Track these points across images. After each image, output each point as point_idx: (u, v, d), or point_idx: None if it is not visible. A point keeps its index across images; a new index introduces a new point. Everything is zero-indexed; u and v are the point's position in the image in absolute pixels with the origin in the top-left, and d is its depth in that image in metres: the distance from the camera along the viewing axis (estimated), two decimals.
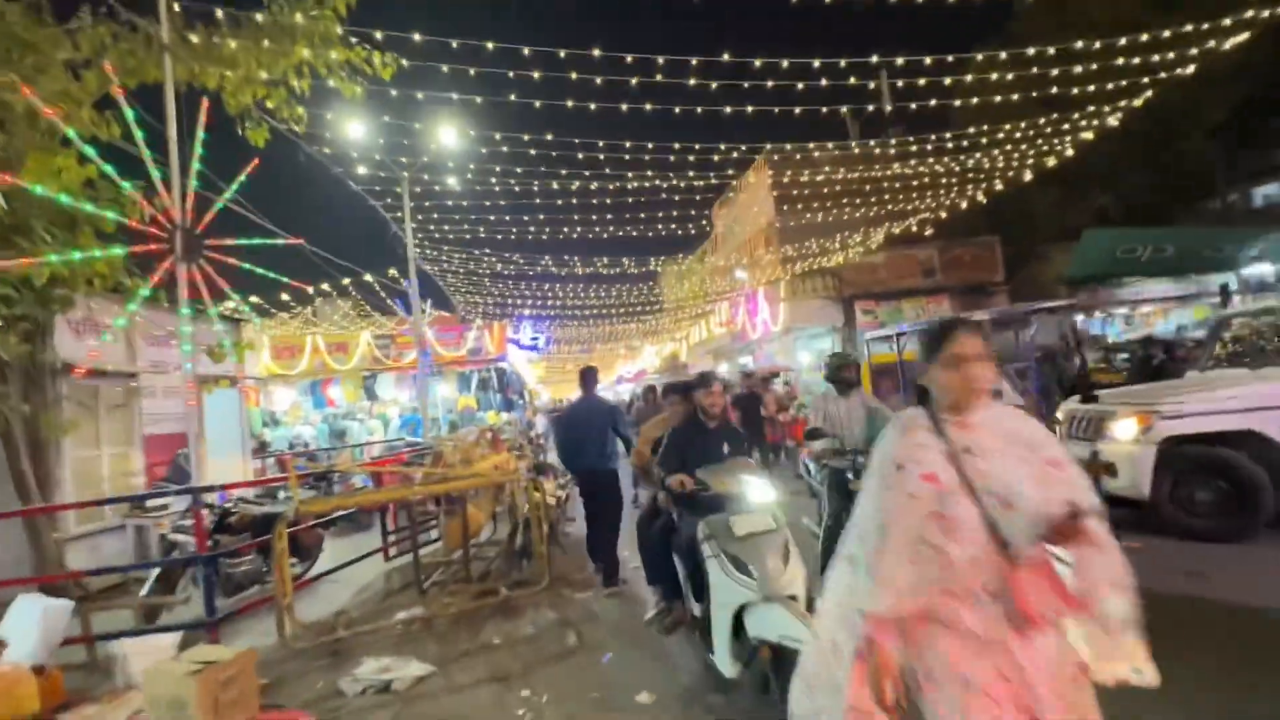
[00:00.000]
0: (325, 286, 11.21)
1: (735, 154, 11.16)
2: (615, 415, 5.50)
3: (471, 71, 7.80)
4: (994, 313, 10.23)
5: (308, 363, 16.58)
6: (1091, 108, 12.49)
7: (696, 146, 10.66)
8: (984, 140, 13.63)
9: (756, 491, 3.06)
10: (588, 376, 5.63)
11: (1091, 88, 11.71)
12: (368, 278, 11.32)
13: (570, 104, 8.44)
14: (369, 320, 17.44)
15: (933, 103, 10.86)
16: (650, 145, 10.02)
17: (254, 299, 11.42)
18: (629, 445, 5.31)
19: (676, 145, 10.57)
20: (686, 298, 27.62)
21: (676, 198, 13.08)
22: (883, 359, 9.68)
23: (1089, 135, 13.39)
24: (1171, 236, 15.23)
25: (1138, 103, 12.51)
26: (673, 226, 14.27)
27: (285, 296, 11.86)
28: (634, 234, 13.95)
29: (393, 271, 11.09)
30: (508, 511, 6.33)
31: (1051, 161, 13.63)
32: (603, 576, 5.05)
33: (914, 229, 17.00)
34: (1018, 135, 13.52)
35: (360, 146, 9.47)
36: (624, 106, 8.44)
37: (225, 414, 8.69)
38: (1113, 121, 13.06)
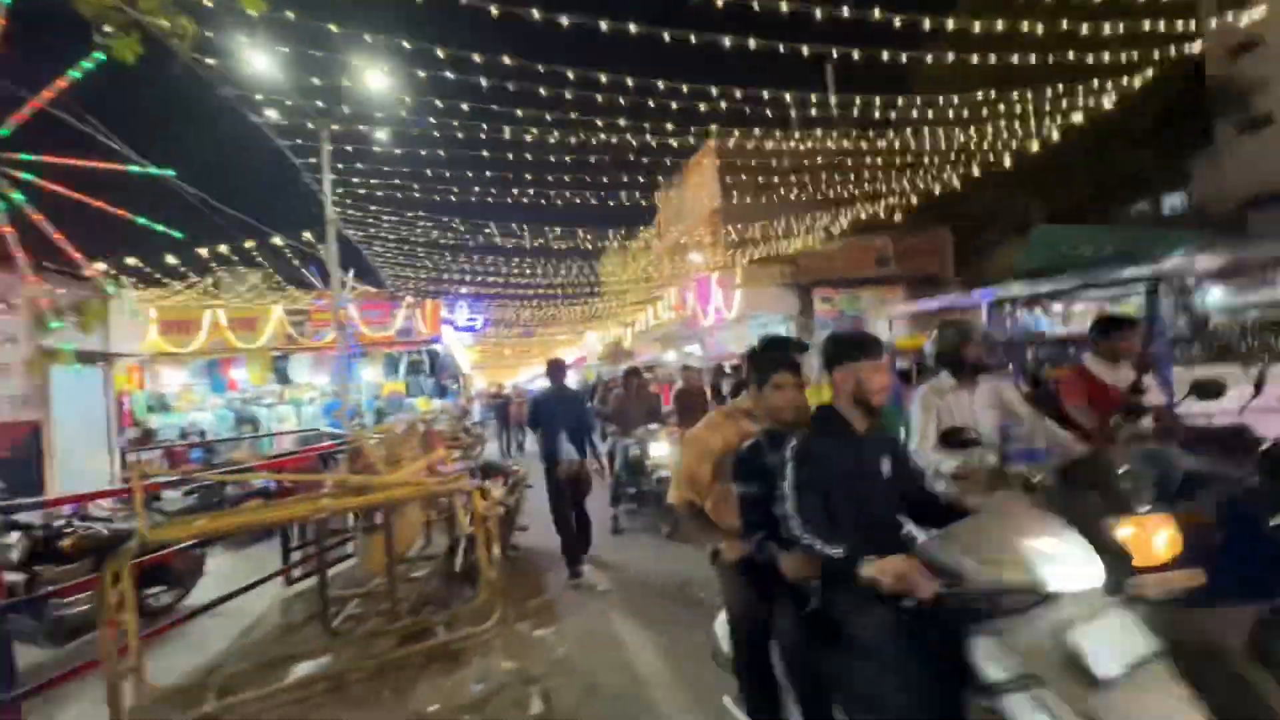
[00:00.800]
0: (224, 249, 9.48)
1: (682, 131, 10.24)
2: (583, 411, 5.61)
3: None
4: (942, 302, 9.89)
5: (205, 339, 14.53)
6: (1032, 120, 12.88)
7: (650, 103, 9.51)
8: (925, 136, 13.75)
9: (1078, 571, 1.49)
10: (556, 368, 5.74)
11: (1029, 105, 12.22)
12: (276, 241, 9.69)
13: (510, 61, 7.13)
14: (282, 294, 15.47)
15: (876, 100, 10.62)
16: (600, 99, 8.64)
17: (130, 260, 9.54)
18: (591, 444, 5.49)
19: (623, 101, 9.34)
20: (634, 280, 26.71)
21: (624, 172, 12.07)
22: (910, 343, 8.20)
23: (1034, 147, 13.66)
24: (1111, 237, 15.65)
25: (1077, 119, 12.89)
26: (622, 199, 13.17)
27: (173, 260, 9.95)
28: (579, 202, 12.74)
29: (307, 235, 9.52)
30: (445, 520, 5.23)
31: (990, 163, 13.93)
32: (567, 560, 5.02)
33: (863, 218, 16.83)
34: (961, 139, 13.67)
35: (269, 82, 7.87)
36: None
37: (85, 398, 7.02)
38: (1055, 135, 13.50)
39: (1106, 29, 9.89)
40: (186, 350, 14.42)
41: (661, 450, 6.24)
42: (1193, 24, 11.58)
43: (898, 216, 16.22)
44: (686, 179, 30.03)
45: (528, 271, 17.36)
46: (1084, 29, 9.92)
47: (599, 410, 8.27)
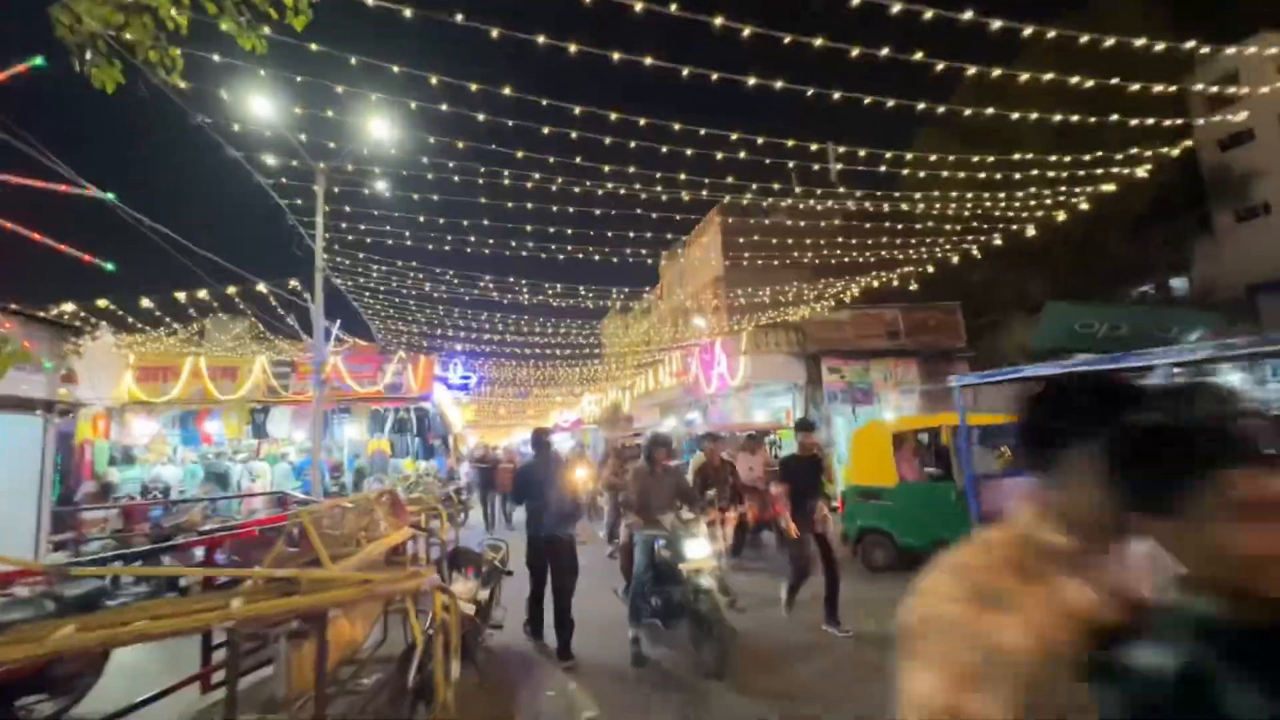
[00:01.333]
0: (204, 294, 8.93)
1: (689, 201, 10.24)
2: (564, 482, 5.31)
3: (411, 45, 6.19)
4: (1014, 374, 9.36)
5: (183, 388, 13.81)
6: (1034, 202, 12.92)
7: (655, 172, 9.52)
8: (925, 211, 13.84)
9: None
10: (541, 438, 5.53)
11: (1032, 188, 12.36)
12: (260, 288, 9.16)
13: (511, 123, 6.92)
14: (269, 343, 14.88)
15: (881, 168, 10.67)
16: (606, 170, 8.67)
17: (102, 302, 8.97)
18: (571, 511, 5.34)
19: (631, 169, 9.25)
20: (636, 343, 26.27)
21: (628, 243, 11.92)
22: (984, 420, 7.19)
23: (1030, 232, 13.60)
24: (1126, 315, 15.27)
25: (1082, 205, 12.91)
26: (626, 256, 12.99)
27: (149, 304, 9.37)
28: (581, 258, 12.44)
29: (294, 283, 9.00)
30: (402, 620, 4.36)
31: (993, 240, 13.86)
32: (558, 646, 4.77)
33: (875, 285, 16.59)
34: (963, 214, 13.70)
35: (262, 124, 7.57)
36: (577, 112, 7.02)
37: (16, 450, 6.25)
38: (1059, 216, 13.47)
39: (1100, 118, 9.93)
40: (162, 399, 13.68)
41: (701, 551, 4.67)
42: (1180, 120, 11.90)
43: (899, 285, 16.17)
44: (690, 245, 30.20)
45: (524, 329, 16.87)
46: (1076, 118, 9.90)
47: (613, 483, 7.56)
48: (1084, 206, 13.04)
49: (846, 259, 16.05)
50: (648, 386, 22.63)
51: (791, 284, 17.86)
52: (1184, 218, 24.90)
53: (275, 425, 13.91)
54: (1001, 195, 13.27)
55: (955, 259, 14.83)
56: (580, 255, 12.21)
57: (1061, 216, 13.10)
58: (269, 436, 14.05)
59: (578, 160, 7.79)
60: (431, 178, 8.25)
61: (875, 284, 16.68)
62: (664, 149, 8.38)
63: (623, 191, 9.60)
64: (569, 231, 11.70)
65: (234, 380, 14.07)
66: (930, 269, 15.81)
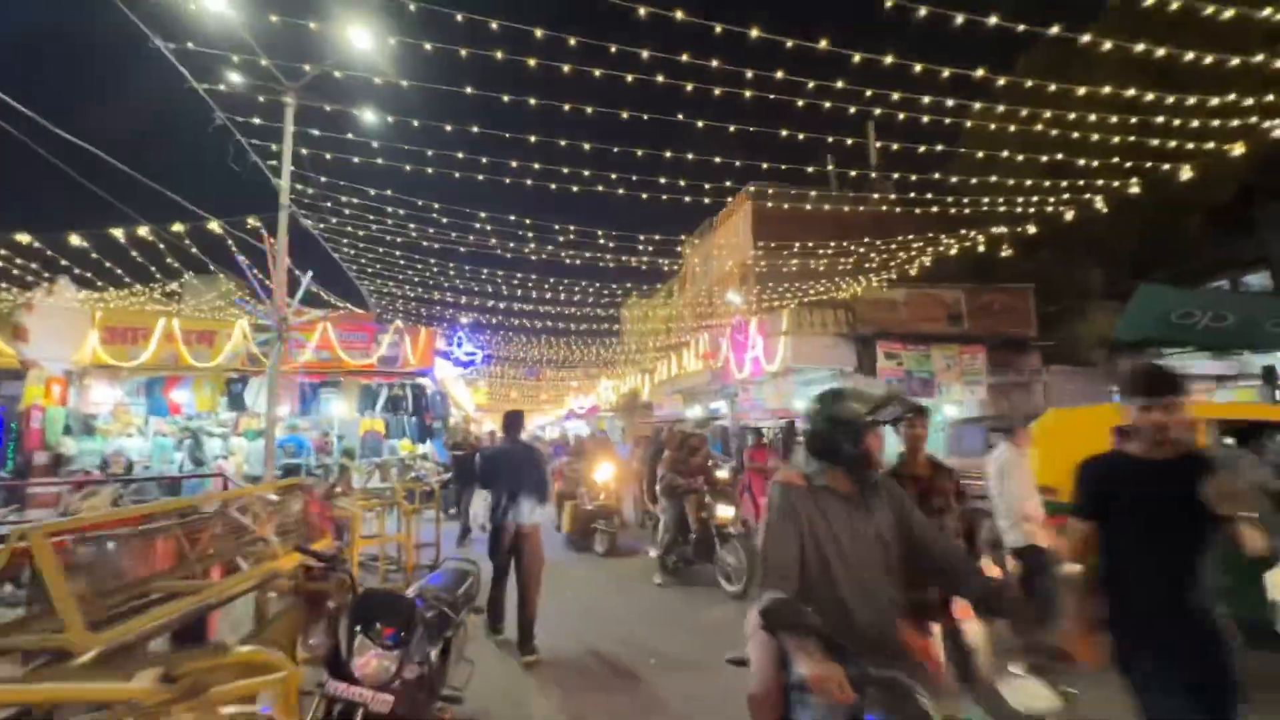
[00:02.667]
0: (144, 232, 7.35)
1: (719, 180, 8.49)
2: (541, 470, 5.03)
3: None
4: None
5: (154, 352, 12.38)
6: (1100, 180, 10.80)
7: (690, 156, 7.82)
8: (978, 195, 11.72)
9: None
10: (513, 420, 5.30)
11: (1095, 163, 10.29)
12: (214, 226, 7.57)
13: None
14: (248, 308, 13.40)
15: (921, 148, 8.93)
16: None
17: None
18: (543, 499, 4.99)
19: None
20: (660, 324, 24.53)
21: (651, 227, 10.14)
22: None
23: (1100, 205, 11.38)
24: (1234, 303, 13.13)
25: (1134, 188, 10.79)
26: (650, 249, 11.30)
27: (112, 266, 7.84)
28: (604, 236, 10.66)
29: (253, 221, 7.38)
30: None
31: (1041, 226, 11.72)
32: (520, 638, 4.54)
33: (926, 264, 14.58)
34: (1018, 198, 11.59)
35: (222, 32, 5.93)
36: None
37: None
38: (1134, 189, 11.25)
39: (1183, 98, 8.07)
40: (131, 364, 12.26)
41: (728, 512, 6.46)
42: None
43: (955, 263, 14.11)
44: (716, 231, 28.25)
45: (534, 292, 15.15)
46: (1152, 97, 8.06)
47: (677, 484, 6.25)
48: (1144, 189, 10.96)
49: (892, 244, 14.13)
50: (670, 372, 20.86)
51: (829, 271, 15.89)
52: (1271, 208, 22.44)
53: (254, 397, 12.41)
54: (1064, 179, 11.24)
55: (1007, 244, 12.65)
56: (605, 201, 10.44)
57: (1134, 189, 10.98)
58: (246, 409, 12.58)
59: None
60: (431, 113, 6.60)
61: (926, 262, 14.66)
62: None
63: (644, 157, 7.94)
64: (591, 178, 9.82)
65: (211, 346, 12.60)
66: (980, 250, 13.73)
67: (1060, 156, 10.59)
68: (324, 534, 3.46)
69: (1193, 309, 12.28)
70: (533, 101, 6.61)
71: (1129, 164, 10.87)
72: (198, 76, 6.66)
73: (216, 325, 12.93)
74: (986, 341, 12.61)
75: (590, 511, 8.29)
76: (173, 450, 12.01)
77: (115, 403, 11.97)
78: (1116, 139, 9.85)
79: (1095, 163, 10.77)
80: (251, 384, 12.56)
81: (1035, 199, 11.72)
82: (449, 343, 15.68)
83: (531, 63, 5.98)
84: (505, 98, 6.62)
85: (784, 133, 7.54)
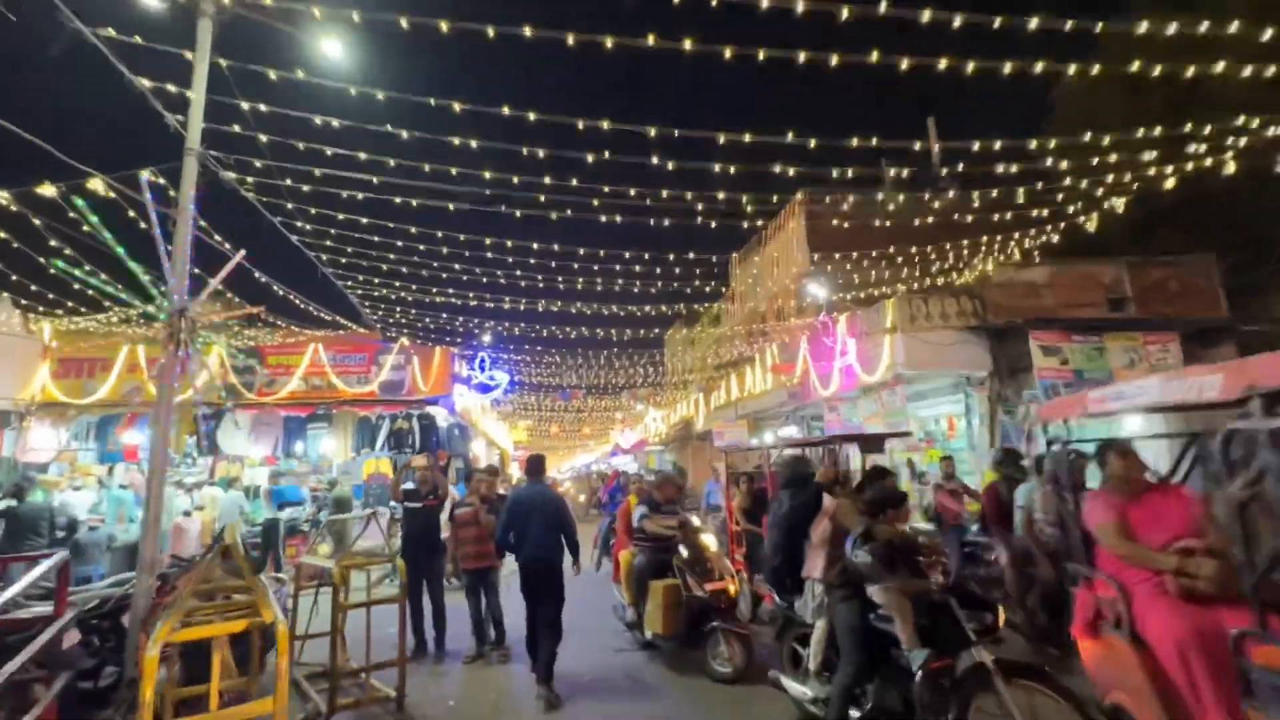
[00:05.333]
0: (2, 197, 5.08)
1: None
2: (562, 511, 5.14)
3: None
4: None
5: (112, 387, 10.28)
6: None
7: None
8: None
9: None
10: (535, 464, 5.41)
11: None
12: (95, 184, 5.25)
13: None
14: (234, 328, 11.26)
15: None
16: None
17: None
18: (574, 549, 5.13)
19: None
20: (710, 346, 21.68)
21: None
22: None
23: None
24: None
25: None
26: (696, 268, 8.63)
27: (56, 271, 5.58)
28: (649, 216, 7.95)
29: (147, 174, 5.05)
30: None
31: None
32: (542, 673, 4.72)
33: (1054, 239, 11.20)
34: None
35: None
36: None
37: None
38: None
39: None
40: (87, 401, 10.17)
41: None
42: None
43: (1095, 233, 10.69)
44: (766, 245, 25.39)
45: (571, 310, 12.53)
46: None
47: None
48: None
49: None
50: (729, 395, 17.87)
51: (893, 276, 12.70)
52: None
53: (228, 437, 10.08)
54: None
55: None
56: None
57: None
58: (220, 452, 10.26)
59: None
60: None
61: (1055, 237, 11.32)
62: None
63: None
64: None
65: (181, 375, 10.40)
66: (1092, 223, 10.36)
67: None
68: None
69: None
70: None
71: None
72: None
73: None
74: (1178, 326, 9.24)
75: (701, 601, 5.02)
76: (134, 505, 9.72)
77: (58, 449, 9.82)
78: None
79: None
80: (226, 422, 10.26)
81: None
82: (470, 366, 13.19)
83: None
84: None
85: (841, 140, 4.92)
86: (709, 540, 5.62)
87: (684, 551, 5.32)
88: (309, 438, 10.44)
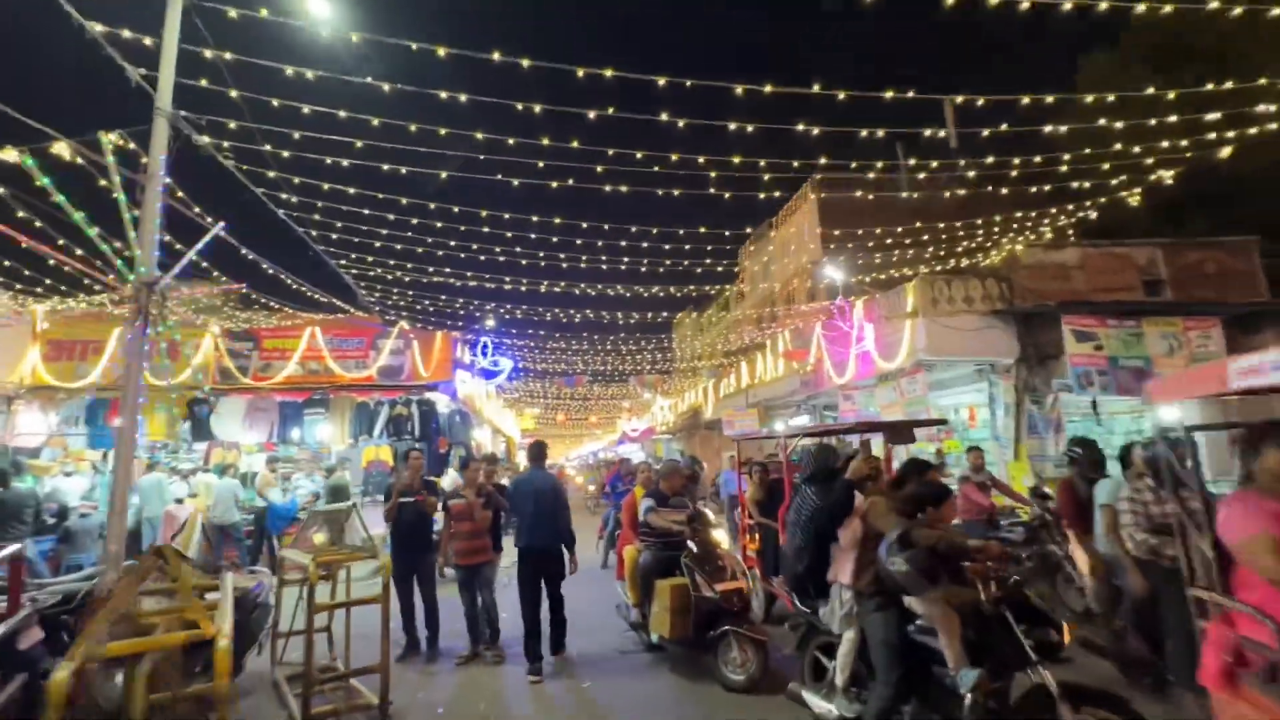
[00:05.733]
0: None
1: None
2: (560, 497, 5.28)
3: None
4: None
5: (105, 370, 9.98)
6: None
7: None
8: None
9: None
10: (537, 450, 5.52)
11: None
12: (59, 150, 4.87)
13: None
14: (227, 311, 10.95)
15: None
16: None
17: None
18: (570, 540, 5.19)
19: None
20: (720, 333, 21.22)
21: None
22: None
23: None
24: None
25: None
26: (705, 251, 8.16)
27: (53, 261, 5.26)
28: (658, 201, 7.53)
29: (112, 138, 4.65)
30: None
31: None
32: (553, 643, 5.14)
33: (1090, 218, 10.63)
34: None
35: None
36: None
37: None
38: None
39: None
40: (78, 384, 9.90)
41: None
42: None
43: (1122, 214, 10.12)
44: (778, 230, 24.78)
45: (574, 290, 12.11)
46: None
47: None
48: None
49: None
50: (739, 382, 17.43)
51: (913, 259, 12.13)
52: None
53: (222, 423, 9.78)
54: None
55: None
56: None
57: None
58: (214, 438, 9.96)
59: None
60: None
61: (1091, 216, 10.73)
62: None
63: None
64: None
65: (175, 359, 10.11)
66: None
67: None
68: None
69: None
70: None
71: None
72: None
73: (183, 333, 10.48)
74: (1219, 310, 8.70)
75: (712, 602, 4.57)
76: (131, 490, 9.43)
77: (48, 433, 9.56)
78: None
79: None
80: (221, 407, 9.96)
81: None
82: (473, 351, 12.82)
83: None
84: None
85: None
86: (721, 536, 5.21)
87: (693, 548, 4.90)
88: (305, 423, 10.12)
